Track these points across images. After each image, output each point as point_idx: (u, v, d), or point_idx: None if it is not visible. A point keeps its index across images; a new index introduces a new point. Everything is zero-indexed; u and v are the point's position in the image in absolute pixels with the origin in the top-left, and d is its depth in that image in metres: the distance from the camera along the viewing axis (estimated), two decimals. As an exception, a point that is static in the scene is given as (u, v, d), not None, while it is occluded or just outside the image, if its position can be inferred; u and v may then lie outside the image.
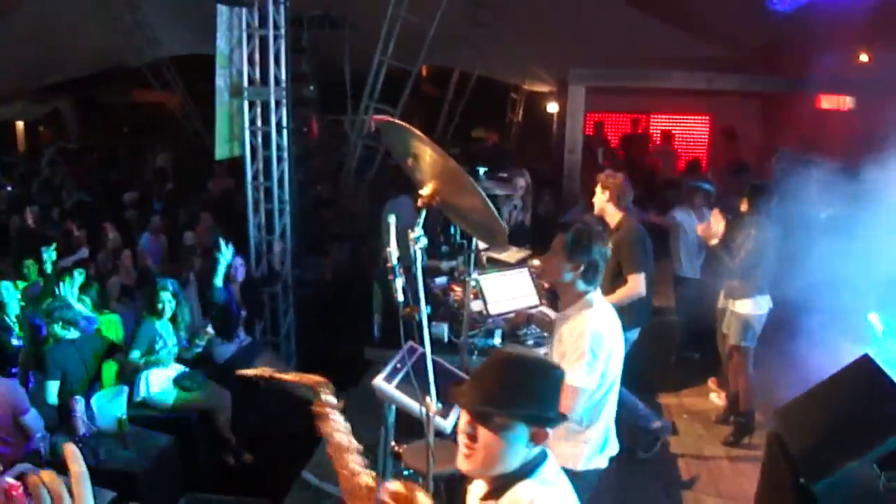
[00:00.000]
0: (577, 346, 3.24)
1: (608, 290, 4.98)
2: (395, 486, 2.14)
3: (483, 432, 1.96)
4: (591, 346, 3.23)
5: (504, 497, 1.99)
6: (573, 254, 3.35)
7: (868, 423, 4.09)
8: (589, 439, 3.44)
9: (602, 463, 3.51)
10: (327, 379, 2.34)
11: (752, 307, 5.94)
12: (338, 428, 2.29)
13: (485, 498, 2.06)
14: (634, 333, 5.23)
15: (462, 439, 2.01)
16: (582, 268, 3.35)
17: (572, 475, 3.43)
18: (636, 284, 5.05)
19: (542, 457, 2.04)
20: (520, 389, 1.96)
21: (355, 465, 2.26)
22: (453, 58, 12.96)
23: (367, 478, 2.22)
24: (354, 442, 2.29)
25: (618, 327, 3.42)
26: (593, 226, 3.62)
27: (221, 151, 7.16)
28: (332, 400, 2.30)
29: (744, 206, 6.07)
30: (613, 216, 5.31)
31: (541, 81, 14.00)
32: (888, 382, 4.25)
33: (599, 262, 3.38)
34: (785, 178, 6.68)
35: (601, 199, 5.35)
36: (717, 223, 6.09)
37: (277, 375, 2.42)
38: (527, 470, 2.00)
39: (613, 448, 3.57)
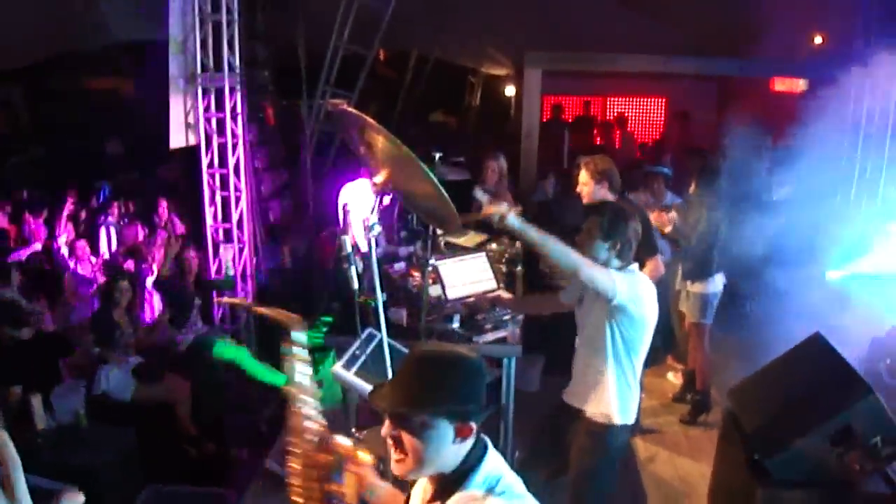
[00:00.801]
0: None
1: None
2: (344, 440, 2.24)
3: (405, 435, 1.92)
4: (634, 287, 3.57)
5: (451, 500, 1.95)
6: (610, 233, 3.60)
7: (819, 399, 4.19)
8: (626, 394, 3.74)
9: (631, 419, 3.79)
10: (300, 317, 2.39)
11: (709, 286, 6.04)
12: (302, 370, 2.36)
13: (430, 500, 2.02)
14: None
15: (389, 444, 1.98)
16: (618, 246, 3.61)
17: (611, 429, 3.69)
18: (657, 266, 5.16)
19: (482, 451, 1.99)
20: (434, 386, 1.91)
21: (314, 412, 2.34)
22: (410, 41, 12.91)
23: (316, 424, 2.33)
24: (315, 388, 2.34)
25: (655, 298, 3.71)
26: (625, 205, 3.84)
27: (176, 140, 7.08)
28: (302, 338, 2.35)
29: (692, 189, 6.18)
30: None
31: (498, 65, 14.01)
32: (838, 359, 4.35)
33: (633, 240, 3.65)
34: (737, 160, 6.77)
35: (596, 188, 5.21)
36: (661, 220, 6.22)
37: (255, 308, 2.48)
38: (468, 467, 1.95)
39: None
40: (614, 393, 3.70)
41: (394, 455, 1.97)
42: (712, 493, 4.86)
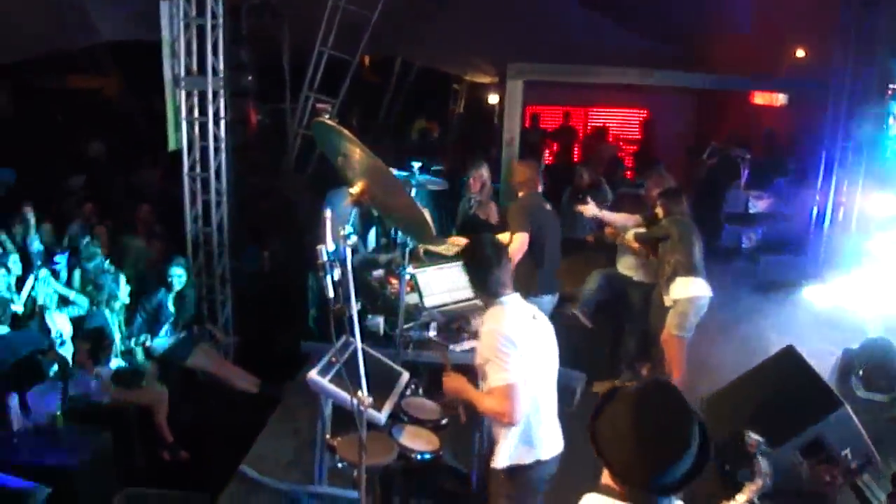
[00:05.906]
0: (491, 348, 3.25)
1: None
2: None
3: None
4: (500, 346, 3.22)
5: None
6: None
7: (791, 411, 4.26)
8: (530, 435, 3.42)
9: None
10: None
11: (691, 290, 6.03)
12: None
13: None
14: (547, 300, 5.53)
15: None
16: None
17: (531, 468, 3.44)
18: (519, 243, 5.46)
19: None
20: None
21: None
22: (395, 47, 12.92)
23: None
24: None
25: (532, 323, 3.41)
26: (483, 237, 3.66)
27: (173, 141, 7.10)
28: None
29: (660, 212, 6.21)
30: None
31: (482, 72, 14.05)
32: (810, 372, 4.42)
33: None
34: (715, 173, 6.85)
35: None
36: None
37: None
38: None
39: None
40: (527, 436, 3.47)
41: None
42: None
